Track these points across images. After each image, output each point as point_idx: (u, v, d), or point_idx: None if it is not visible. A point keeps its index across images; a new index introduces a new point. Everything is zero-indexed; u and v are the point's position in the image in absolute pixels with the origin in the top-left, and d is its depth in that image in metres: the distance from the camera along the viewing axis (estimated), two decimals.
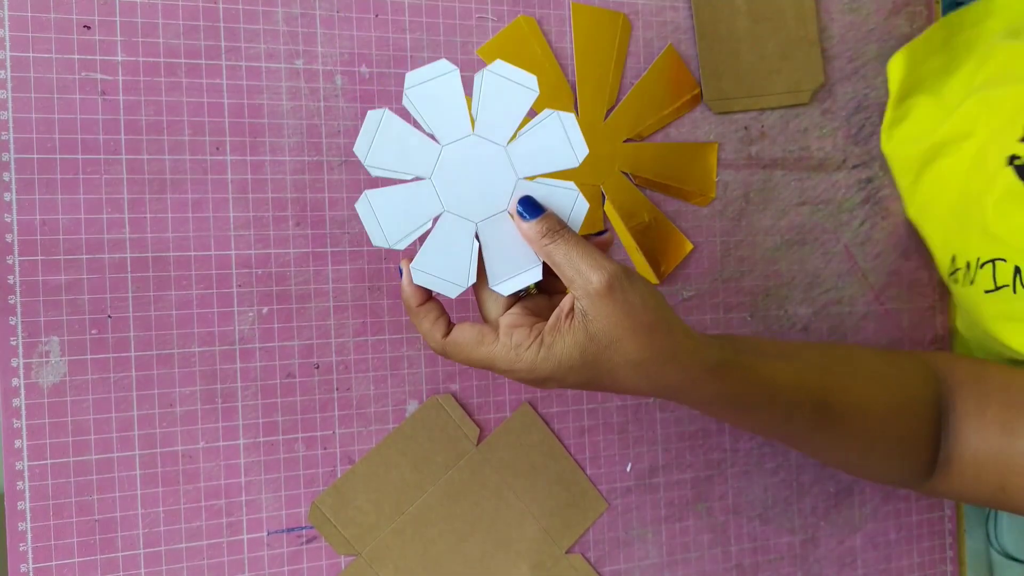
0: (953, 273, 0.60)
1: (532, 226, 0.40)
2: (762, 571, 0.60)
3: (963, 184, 0.58)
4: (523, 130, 0.41)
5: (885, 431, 0.49)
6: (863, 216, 0.63)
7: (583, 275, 0.38)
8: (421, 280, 0.41)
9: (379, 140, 0.40)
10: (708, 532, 0.58)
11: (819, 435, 0.48)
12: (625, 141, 0.57)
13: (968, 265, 0.58)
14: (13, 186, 0.45)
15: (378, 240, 0.41)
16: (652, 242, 0.57)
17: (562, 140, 0.41)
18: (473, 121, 0.41)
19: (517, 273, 0.41)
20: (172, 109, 0.48)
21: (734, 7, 0.59)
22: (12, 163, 0.45)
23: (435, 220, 0.41)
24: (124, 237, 0.47)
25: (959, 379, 0.52)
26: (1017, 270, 0.53)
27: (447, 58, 0.53)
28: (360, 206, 0.40)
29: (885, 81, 0.63)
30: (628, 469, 0.56)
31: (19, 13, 0.45)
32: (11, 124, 0.45)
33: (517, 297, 0.42)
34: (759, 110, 0.60)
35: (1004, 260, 0.53)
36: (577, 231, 0.41)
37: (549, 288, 0.43)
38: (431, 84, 0.40)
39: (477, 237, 0.41)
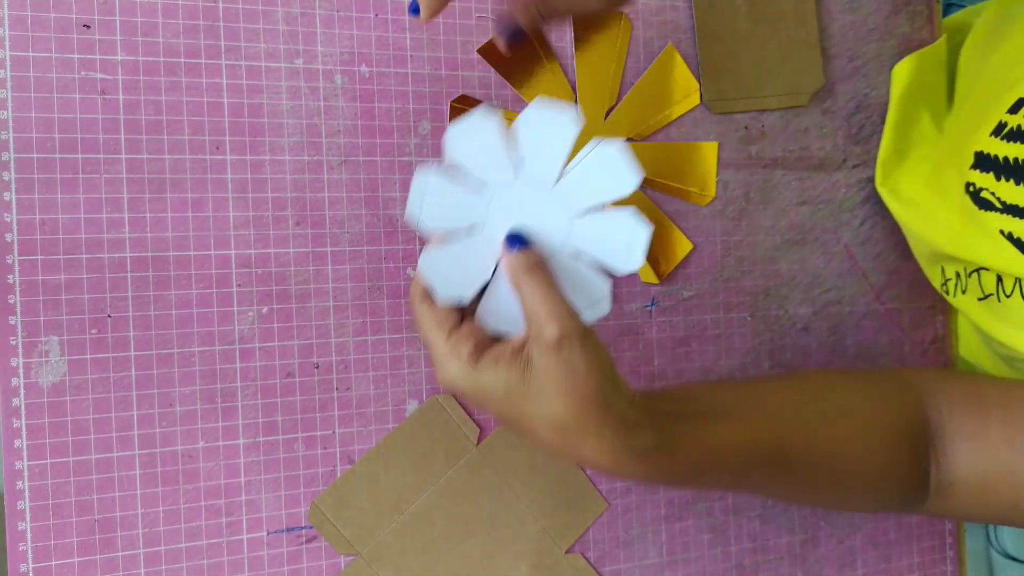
0: (944, 284, 0.60)
1: (510, 258, 0.39)
2: (762, 571, 0.60)
3: (933, 199, 0.58)
4: (571, 164, 0.39)
5: (858, 471, 0.47)
6: (863, 216, 0.63)
7: (539, 322, 0.37)
8: (490, 329, 0.40)
9: (429, 201, 0.39)
10: (708, 532, 0.58)
11: (779, 487, 0.47)
12: (625, 141, 0.57)
13: (957, 275, 0.58)
14: (13, 186, 0.45)
15: (444, 298, 0.39)
16: (652, 242, 0.57)
17: (612, 169, 0.39)
18: (519, 165, 0.39)
19: (583, 309, 0.40)
20: (172, 109, 0.48)
21: (735, 8, 0.59)
22: (12, 163, 0.45)
23: (495, 270, 0.40)
24: (124, 237, 0.47)
25: (952, 399, 0.50)
26: (999, 278, 0.52)
27: (446, 57, 0.53)
28: (423, 266, 0.39)
29: (886, 80, 0.63)
30: None
31: (19, 12, 0.45)
32: (11, 124, 0.45)
33: None
34: (759, 111, 0.60)
35: (987, 268, 0.53)
36: (643, 254, 0.40)
37: None
38: (473, 134, 0.38)
39: None
